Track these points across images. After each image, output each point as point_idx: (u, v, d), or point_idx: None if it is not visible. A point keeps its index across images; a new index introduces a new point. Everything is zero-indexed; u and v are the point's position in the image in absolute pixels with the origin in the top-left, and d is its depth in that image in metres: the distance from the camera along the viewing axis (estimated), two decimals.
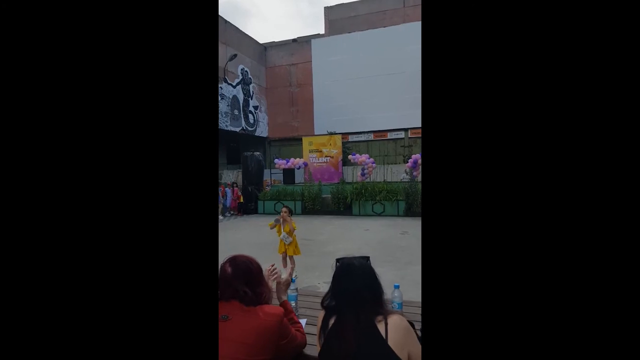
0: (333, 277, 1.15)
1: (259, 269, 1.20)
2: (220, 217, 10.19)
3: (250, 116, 16.58)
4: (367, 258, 1.21)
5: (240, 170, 12.61)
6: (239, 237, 7.02)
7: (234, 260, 1.17)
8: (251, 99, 16.64)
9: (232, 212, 10.77)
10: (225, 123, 14.58)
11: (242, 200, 10.90)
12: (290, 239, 4.15)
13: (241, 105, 15.81)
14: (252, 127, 16.69)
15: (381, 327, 0.99)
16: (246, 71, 16.28)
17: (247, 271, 1.15)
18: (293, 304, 1.58)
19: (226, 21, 14.90)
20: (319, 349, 1.06)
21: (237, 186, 11.18)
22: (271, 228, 4.23)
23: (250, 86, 16.63)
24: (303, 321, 1.47)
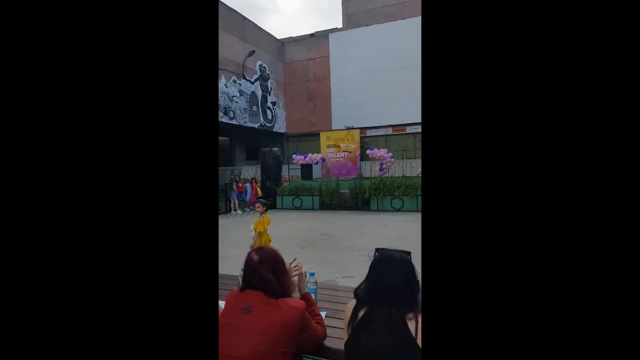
0: (370, 267, 1.14)
1: (283, 260, 1.22)
2: (240, 211, 10.37)
3: (269, 112, 16.69)
4: (409, 253, 1.18)
5: (259, 166, 12.76)
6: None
7: (260, 249, 1.20)
8: (269, 95, 16.75)
9: (251, 207, 10.93)
10: (244, 119, 14.75)
11: (261, 195, 11.04)
12: (253, 233, 4.02)
13: (259, 101, 15.93)
14: (270, 123, 16.82)
15: (411, 325, 0.99)
16: (264, 67, 16.37)
17: (273, 259, 1.18)
18: (313, 296, 1.61)
19: (245, 18, 15.00)
20: (346, 338, 1.07)
21: (256, 182, 11.33)
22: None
23: (268, 82, 16.73)
24: (322, 314, 1.49)
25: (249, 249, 4.92)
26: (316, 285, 1.66)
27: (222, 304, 1.29)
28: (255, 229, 4.06)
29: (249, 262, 1.17)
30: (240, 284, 1.28)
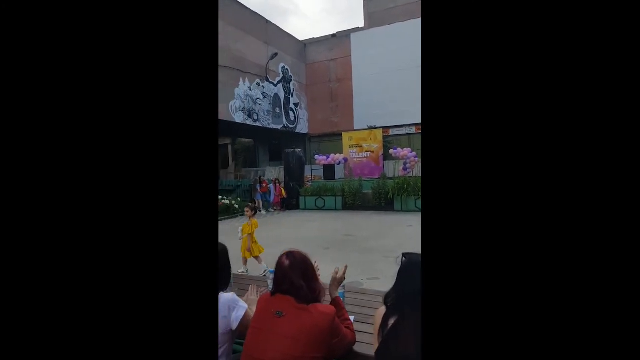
0: (398, 273, 1.12)
1: (313, 265, 1.23)
2: (264, 212, 10.53)
3: (291, 113, 16.84)
4: None
5: (282, 166, 12.89)
6: (283, 232, 7.21)
7: (291, 254, 1.21)
8: (291, 97, 16.89)
9: (275, 208, 11.07)
10: (267, 121, 14.96)
11: (284, 196, 11.16)
12: (240, 235, 4.12)
13: (282, 103, 16.11)
14: (292, 125, 16.96)
15: None
16: (286, 69, 16.53)
17: (303, 265, 1.19)
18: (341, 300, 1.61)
19: (267, 21, 15.21)
20: (376, 347, 1.06)
21: (279, 182, 11.46)
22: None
23: (291, 84, 16.88)
24: (351, 318, 1.49)
25: (276, 249, 4.98)
26: (344, 289, 1.66)
27: (244, 302, 1.32)
28: (242, 232, 4.17)
29: (279, 266, 1.19)
30: (271, 287, 1.30)
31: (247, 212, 4.29)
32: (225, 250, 1.41)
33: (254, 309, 1.29)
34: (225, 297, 1.25)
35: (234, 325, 1.23)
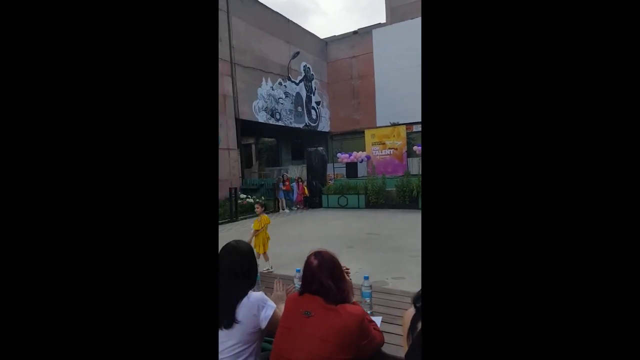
0: None
1: (340, 265, 1.22)
2: (287, 210, 10.62)
3: (313, 112, 16.88)
4: None
5: (304, 165, 12.95)
6: (306, 230, 7.24)
7: (319, 254, 1.21)
8: (313, 95, 16.93)
9: (298, 206, 11.14)
10: (289, 120, 15.07)
11: (307, 194, 11.21)
12: (252, 231, 4.29)
13: (304, 101, 16.17)
14: (314, 123, 16.99)
15: None
16: (308, 67, 16.57)
17: (331, 265, 1.18)
18: (367, 300, 1.59)
19: (288, 20, 15.29)
20: (406, 349, 1.05)
21: (302, 181, 11.52)
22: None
23: (313, 82, 16.91)
24: (378, 319, 1.47)
25: (300, 248, 5.04)
26: (370, 289, 1.64)
27: (272, 302, 1.32)
28: (253, 227, 4.36)
29: (308, 266, 1.19)
30: (299, 287, 1.31)
31: (257, 208, 4.48)
32: (251, 250, 1.43)
33: (281, 305, 1.30)
34: (255, 296, 1.27)
35: (263, 324, 1.24)
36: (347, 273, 1.38)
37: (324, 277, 1.14)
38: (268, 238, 4.39)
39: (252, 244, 4.18)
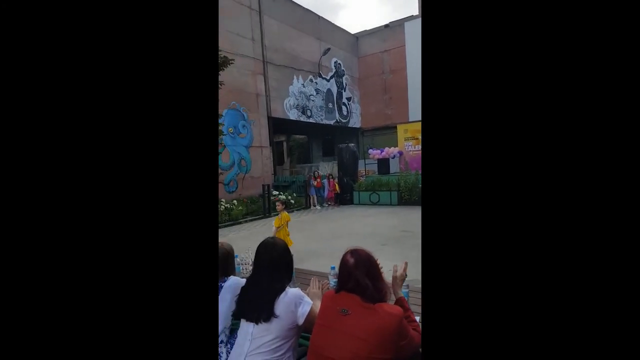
0: None
1: (377, 264, 1.20)
2: (319, 207, 10.67)
3: (344, 108, 16.78)
4: None
5: (335, 162, 12.92)
6: (338, 227, 7.24)
7: (355, 252, 1.20)
8: (344, 91, 16.82)
9: (329, 203, 11.16)
10: (320, 117, 15.09)
11: (338, 191, 11.19)
12: (274, 228, 4.47)
13: (335, 98, 16.11)
14: (345, 119, 16.90)
15: None
16: (339, 63, 16.47)
17: (368, 263, 1.17)
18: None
19: (319, 17, 15.27)
20: None
21: (333, 178, 11.52)
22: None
23: (343, 78, 16.80)
24: (417, 319, 1.43)
25: (332, 245, 5.03)
26: (408, 288, 1.60)
27: (309, 298, 1.33)
28: (274, 225, 4.54)
29: (344, 264, 1.18)
30: (335, 285, 1.30)
31: (278, 206, 4.67)
32: (287, 246, 1.44)
33: (317, 302, 1.30)
34: (292, 292, 1.28)
35: (300, 321, 1.25)
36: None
37: (360, 275, 1.13)
38: (287, 234, 4.55)
39: None
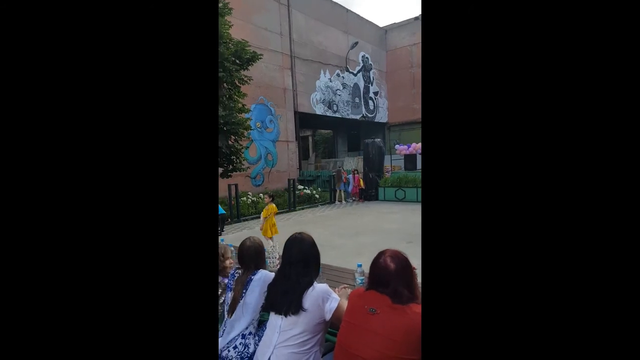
0: None
1: (411, 266, 1.19)
2: (344, 202, 10.66)
3: (371, 102, 16.58)
4: None
5: (360, 157, 12.83)
6: (363, 223, 7.21)
7: (395, 257, 1.17)
8: (371, 85, 16.60)
9: (353, 198, 11.12)
10: (346, 112, 15.00)
11: (363, 187, 11.13)
12: (261, 220, 5.01)
13: (362, 92, 15.95)
14: (372, 114, 16.70)
15: None
16: (367, 57, 16.25)
17: (407, 270, 1.16)
18: None
19: (347, 10, 15.10)
20: None
21: (358, 173, 11.45)
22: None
23: (371, 72, 16.57)
24: None
25: (357, 241, 5.04)
26: None
27: (336, 295, 1.34)
28: (262, 215, 5.04)
29: (382, 268, 1.16)
30: (362, 283, 1.30)
31: (266, 199, 5.13)
32: (314, 241, 1.45)
33: (344, 301, 1.31)
34: (319, 288, 1.29)
35: (328, 316, 1.26)
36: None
37: (399, 283, 1.11)
38: (273, 224, 4.98)
39: (263, 229, 4.98)
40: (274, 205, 5.04)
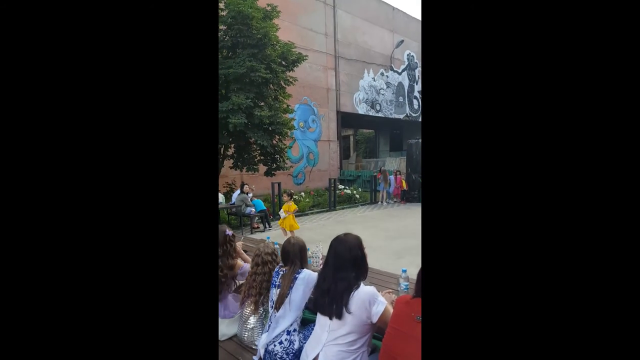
0: None
1: None
2: (385, 203, 10.50)
3: (415, 102, 16.13)
4: None
5: (402, 157, 12.53)
6: (404, 225, 7.06)
7: None
8: (416, 84, 16.14)
9: (394, 200, 10.91)
10: (389, 111, 14.74)
11: (405, 188, 10.87)
12: (284, 215, 5.50)
13: (406, 91, 15.57)
14: (416, 113, 16.24)
15: None
16: (412, 56, 15.83)
17: None
18: None
19: (394, 8, 14.81)
20: None
21: (400, 174, 11.20)
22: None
23: (416, 71, 16.11)
24: None
25: (399, 244, 4.95)
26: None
27: (383, 298, 1.33)
28: (283, 211, 5.55)
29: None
30: (406, 289, 1.29)
31: (284, 197, 5.65)
32: (361, 242, 1.44)
33: (389, 307, 1.30)
34: (366, 290, 1.30)
35: (374, 319, 1.27)
36: None
37: None
38: (293, 219, 5.50)
39: (283, 224, 5.52)
40: (293, 203, 5.57)
